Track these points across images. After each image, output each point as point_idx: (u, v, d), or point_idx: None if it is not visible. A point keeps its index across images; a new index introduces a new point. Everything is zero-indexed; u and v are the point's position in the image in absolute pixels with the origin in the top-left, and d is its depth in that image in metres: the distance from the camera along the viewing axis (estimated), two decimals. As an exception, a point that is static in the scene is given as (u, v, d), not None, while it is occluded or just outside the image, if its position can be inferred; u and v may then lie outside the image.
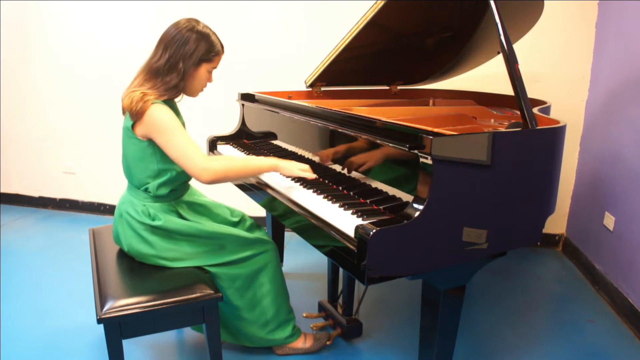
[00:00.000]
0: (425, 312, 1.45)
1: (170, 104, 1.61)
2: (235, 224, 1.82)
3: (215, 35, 1.59)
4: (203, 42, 1.54)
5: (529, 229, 1.47)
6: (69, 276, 2.56)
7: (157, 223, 1.58)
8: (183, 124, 1.61)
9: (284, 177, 1.72)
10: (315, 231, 1.39)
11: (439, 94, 2.66)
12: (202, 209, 1.76)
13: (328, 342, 1.94)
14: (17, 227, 3.31)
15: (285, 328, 1.83)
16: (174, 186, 1.64)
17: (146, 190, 1.61)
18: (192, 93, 1.64)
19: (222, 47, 1.61)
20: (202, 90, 1.66)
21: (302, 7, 2.97)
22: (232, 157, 1.61)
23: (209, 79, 1.64)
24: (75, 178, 3.58)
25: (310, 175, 1.62)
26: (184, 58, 1.53)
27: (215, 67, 1.62)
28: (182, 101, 1.68)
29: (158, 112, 1.48)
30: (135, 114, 1.48)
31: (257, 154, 2.07)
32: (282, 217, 1.63)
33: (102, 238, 1.84)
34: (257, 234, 1.77)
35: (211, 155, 2.12)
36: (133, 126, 1.53)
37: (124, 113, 1.59)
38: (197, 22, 1.57)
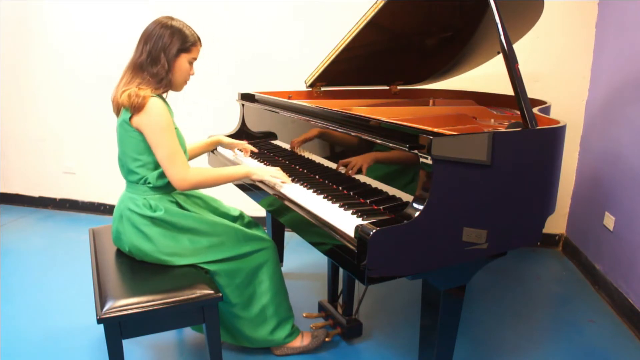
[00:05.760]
0: (425, 312, 1.45)
1: (163, 99, 1.64)
2: (233, 219, 1.83)
3: (189, 28, 1.66)
4: (177, 34, 1.61)
5: (529, 229, 1.47)
6: (69, 276, 2.56)
7: (158, 214, 1.60)
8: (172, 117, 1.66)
9: None
10: (315, 231, 1.39)
11: (438, 94, 2.66)
12: (200, 202, 1.80)
13: (327, 339, 1.93)
14: (17, 227, 3.31)
15: (284, 326, 1.83)
16: None
17: (146, 182, 1.63)
18: (177, 87, 1.69)
19: (199, 38, 1.68)
20: (185, 83, 1.71)
21: (303, 7, 2.97)
22: (209, 168, 1.68)
23: (191, 71, 1.69)
24: (75, 178, 3.59)
25: (281, 181, 1.65)
26: (164, 50, 1.59)
27: (195, 58, 1.68)
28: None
29: (157, 108, 1.53)
30: (136, 107, 1.52)
31: (258, 154, 2.07)
32: (282, 216, 1.63)
33: (102, 238, 1.85)
34: (256, 231, 1.78)
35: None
36: (130, 118, 1.55)
37: (117, 113, 1.62)
38: (171, 18, 1.64)
